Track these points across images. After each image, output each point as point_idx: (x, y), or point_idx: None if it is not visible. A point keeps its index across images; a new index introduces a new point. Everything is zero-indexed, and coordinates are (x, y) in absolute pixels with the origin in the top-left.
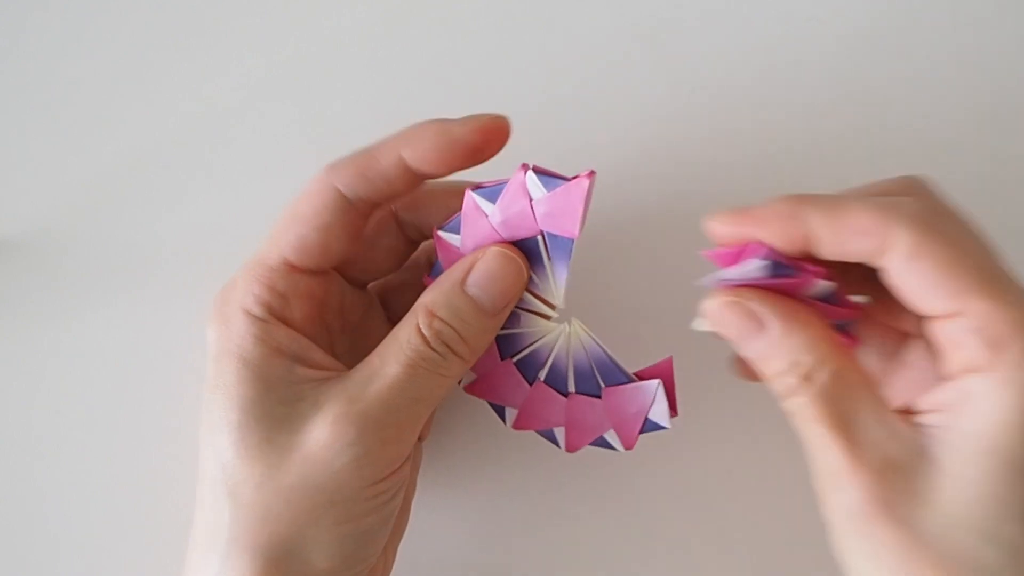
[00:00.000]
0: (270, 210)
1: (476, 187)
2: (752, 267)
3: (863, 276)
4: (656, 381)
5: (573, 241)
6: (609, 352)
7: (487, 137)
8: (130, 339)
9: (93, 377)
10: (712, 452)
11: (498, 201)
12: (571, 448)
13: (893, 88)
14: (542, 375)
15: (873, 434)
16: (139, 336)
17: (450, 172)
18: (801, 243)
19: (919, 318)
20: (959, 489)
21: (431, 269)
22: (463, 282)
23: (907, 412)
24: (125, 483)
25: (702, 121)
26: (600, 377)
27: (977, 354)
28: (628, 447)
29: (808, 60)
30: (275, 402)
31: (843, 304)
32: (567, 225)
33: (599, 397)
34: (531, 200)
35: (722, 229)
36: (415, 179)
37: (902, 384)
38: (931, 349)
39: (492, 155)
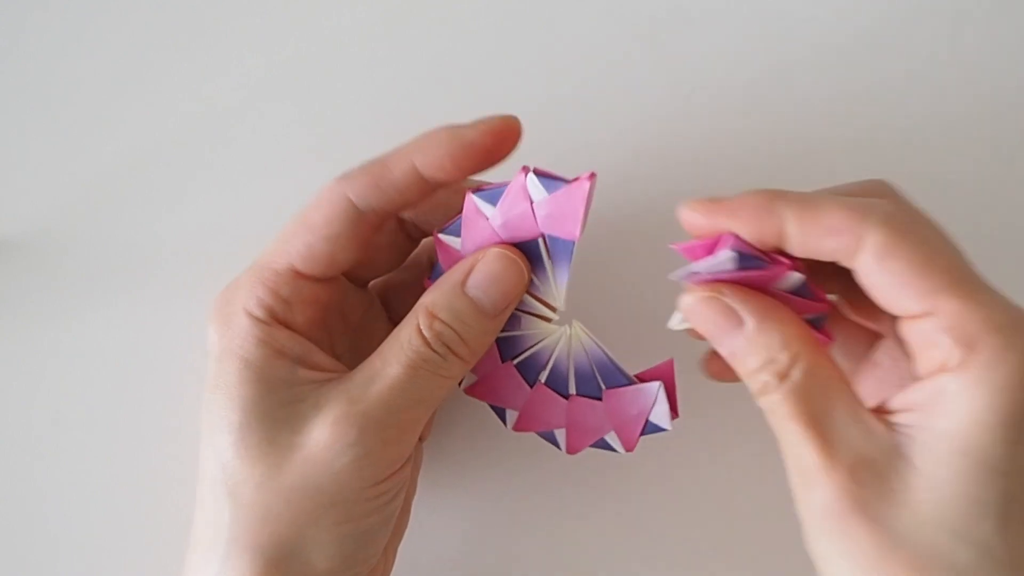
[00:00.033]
0: (270, 210)
1: (476, 190)
2: (723, 258)
3: (831, 276)
4: (657, 383)
5: (574, 243)
6: (610, 354)
7: (499, 139)
8: (130, 339)
9: (93, 377)
10: (713, 452)
11: (499, 204)
12: (572, 450)
13: (894, 88)
14: (543, 377)
15: (847, 432)
16: (139, 336)
17: (463, 177)
18: (773, 238)
19: (890, 318)
20: (933, 488)
21: (431, 271)
22: (463, 283)
23: (881, 411)
24: (125, 483)
25: (702, 121)
26: (601, 379)
27: (950, 353)
28: (629, 449)
29: (808, 60)
30: (276, 403)
31: (814, 297)
32: (568, 227)
33: (600, 399)
34: (532, 202)
35: (694, 218)
36: (427, 188)
37: (871, 384)
38: (901, 349)
39: (505, 157)
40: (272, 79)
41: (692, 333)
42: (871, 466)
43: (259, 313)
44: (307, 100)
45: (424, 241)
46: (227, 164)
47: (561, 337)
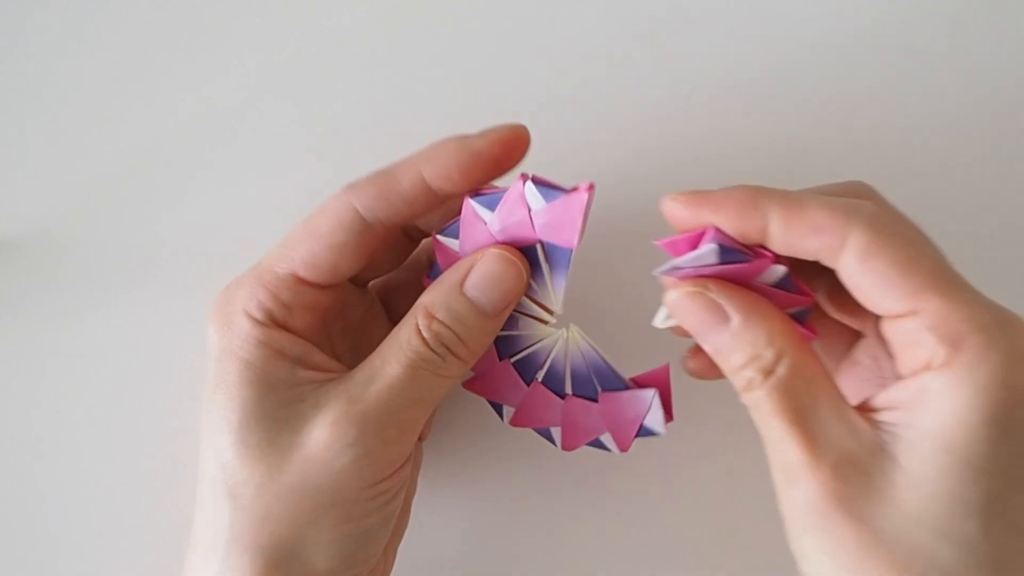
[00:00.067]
0: (270, 210)
1: (475, 194)
2: (705, 252)
3: (811, 276)
4: (652, 391)
5: (572, 251)
6: (607, 359)
7: (508, 148)
8: (130, 339)
9: (93, 377)
10: (713, 452)
11: (497, 209)
12: (567, 447)
13: (894, 88)
14: (540, 376)
15: (832, 429)
16: (139, 336)
17: (471, 187)
18: (756, 234)
19: (871, 316)
20: (916, 486)
21: (431, 270)
22: (462, 284)
23: (864, 409)
24: (125, 483)
25: (702, 121)
26: (597, 382)
27: (934, 352)
28: (623, 449)
29: (808, 60)
30: (276, 403)
31: (798, 290)
32: (566, 236)
33: (596, 401)
34: (530, 210)
35: (677, 211)
36: (434, 200)
37: (851, 382)
38: (881, 348)
39: (513, 166)
40: (272, 79)
41: (676, 330)
42: (855, 463)
43: (259, 315)
44: (307, 100)
45: (424, 241)
46: (227, 164)
47: (558, 340)
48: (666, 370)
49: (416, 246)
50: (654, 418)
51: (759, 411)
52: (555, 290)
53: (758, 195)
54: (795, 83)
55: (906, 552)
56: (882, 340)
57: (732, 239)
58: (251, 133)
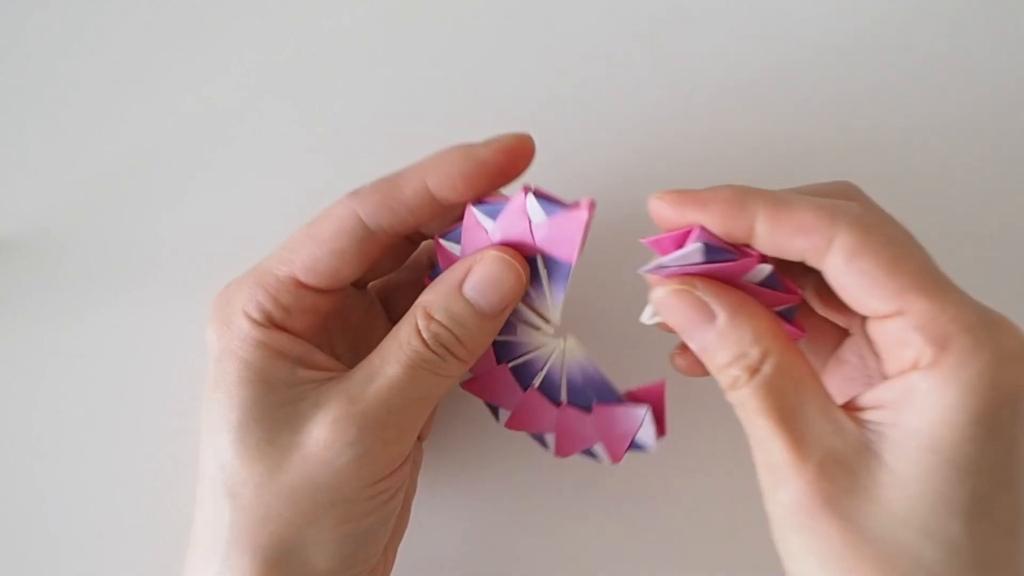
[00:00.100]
0: (270, 210)
1: (477, 202)
2: (690, 250)
3: (796, 276)
4: (645, 408)
5: (571, 266)
6: (603, 372)
7: (512, 158)
8: (130, 339)
9: (93, 377)
10: (713, 453)
11: (498, 219)
12: (560, 454)
13: (894, 88)
14: (536, 382)
15: (817, 428)
16: (139, 336)
17: (475, 196)
18: (742, 233)
19: (858, 315)
20: (902, 486)
21: (431, 270)
22: (461, 285)
23: (850, 408)
24: (125, 483)
25: (702, 121)
26: (592, 393)
27: (921, 351)
28: (614, 461)
29: (808, 60)
30: (276, 403)
31: (784, 288)
32: (566, 251)
33: (590, 411)
34: (531, 223)
35: (663, 209)
36: (438, 209)
37: (838, 381)
38: (868, 347)
39: (518, 175)
40: (272, 79)
41: (663, 327)
42: (841, 462)
43: (258, 317)
44: (307, 100)
45: (425, 242)
46: (227, 164)
47: (555, 349)
48: (661, 387)
49: (416, 248)
50: (646, 433)
51: (744, 410)
52: (553, 302)
53: (744, 195)
54: (795, 83)
55: (891, 551)
56: (868, 341)
57: (718, 238)
58: (251, 133)
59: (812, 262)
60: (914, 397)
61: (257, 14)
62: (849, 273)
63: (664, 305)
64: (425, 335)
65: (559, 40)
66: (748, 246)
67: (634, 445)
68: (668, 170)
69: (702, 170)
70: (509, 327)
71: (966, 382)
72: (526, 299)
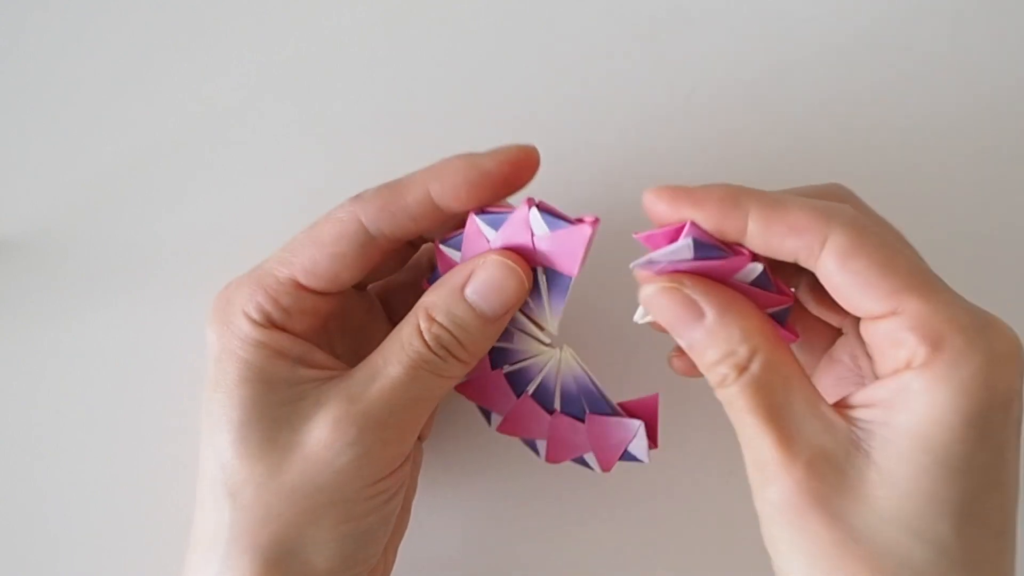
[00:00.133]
0: (270, 210)
1: (479, 211)
2: (681, 246)
3: (788, 277)
4: (638, 422)
5: (572, 279)
6: (598, 384)
7: (517, 168)
8: (130, 339)
9: (93, 377)
10: (714, 454)
11: (500, 230)
12: (551, 460)
13: (894, 88)
14: (530, 390)
15: (807, 426)
16: (139, 336)
17: (478, 206)
18: (735, 232)
19: (853, 318)
20: (892, 485)
21: (431, 273)
22: (463, 288)
23: (841, 407)
24: (125, 483)
25: (702, 121)
26: (586, 404)
27: (914, 351)
28: (605, 470)
29: (808, 60)
30: (276, 402)
31: (776, 289)
32: (567, 265)
33: (583, 420)
34: (533, 235)
35: (657, 205)
36: (440, 217)
37: (830, 381)
38: (860, 347)
39: (522, 186)
40: (272, 79)
41: (655, 326)
42: (830, 460)
43: (257, 317)
44: (307, 100)
45: (425, 245)
46: (227, 164)
47: (551, 359)
48: (655, 400)
49: (417, 251)
50: (638, 446)
51: (733, 408)
52: (552, 314)
53: (738, 193)
54: (795, 83)
55: (880, 551)
56: (861, 341)
57: (709, 235)
58: (251, 133)
59: (805, 262)
60: (906, 396)
61: (257, 14)
62: (843, 273)
63: (652, 302)
64: (426, 336)
65: (559, 40)
66: (740, 245)
67: (626, 456)
68: (668, 170)
69: (702, 170)
70: (506, 334)
71: (959, 382)
72: (524, 308)
